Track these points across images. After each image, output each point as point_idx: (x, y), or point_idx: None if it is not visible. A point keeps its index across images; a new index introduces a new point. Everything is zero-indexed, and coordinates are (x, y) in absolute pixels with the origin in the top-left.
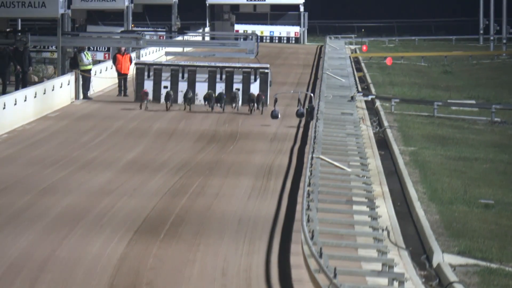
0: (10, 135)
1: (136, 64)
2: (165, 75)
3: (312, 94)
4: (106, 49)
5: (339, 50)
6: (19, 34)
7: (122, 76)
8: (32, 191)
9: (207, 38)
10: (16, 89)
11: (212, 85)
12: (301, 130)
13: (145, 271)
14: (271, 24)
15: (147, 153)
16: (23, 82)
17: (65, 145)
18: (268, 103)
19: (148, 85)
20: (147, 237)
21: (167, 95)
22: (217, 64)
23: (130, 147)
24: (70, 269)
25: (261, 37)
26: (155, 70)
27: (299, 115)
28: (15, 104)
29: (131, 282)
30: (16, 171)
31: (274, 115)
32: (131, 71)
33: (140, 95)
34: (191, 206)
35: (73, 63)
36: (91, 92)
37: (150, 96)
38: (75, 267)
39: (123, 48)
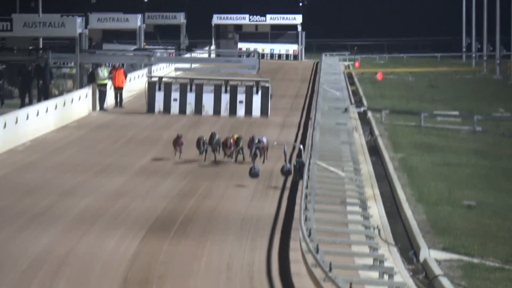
0: (33, 143)
1: (148, 77)
2: (175, 87)
3: (301, 146)
4: (120, 65)
5: (334, 66)
6: (41, 51)
7: (117, 90)
8: (54, 193)
9: (213, 55)
10: (39, 101)
11: (217, 98)
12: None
13: (156, 266)
14: (272, 42)
15: (158, 159)
16: (45, 95)
17: (83, 152)
18: (269, 112)
19: (159, 97)
20: (159, 235)
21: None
22: (222, 78)
23: (143, 154)
24: (88, 264)
25: (262, 54)
26: (166, 84)
27: (285, 172)
28: (38, 115)
29: (144, 275)
30: (39, 175)
31: (253, 173)
32: (144, 85)
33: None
34: (198, 207)
35: (90, 78)
36: (106, 104)
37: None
38: (93, 262)
39: (117, 64)
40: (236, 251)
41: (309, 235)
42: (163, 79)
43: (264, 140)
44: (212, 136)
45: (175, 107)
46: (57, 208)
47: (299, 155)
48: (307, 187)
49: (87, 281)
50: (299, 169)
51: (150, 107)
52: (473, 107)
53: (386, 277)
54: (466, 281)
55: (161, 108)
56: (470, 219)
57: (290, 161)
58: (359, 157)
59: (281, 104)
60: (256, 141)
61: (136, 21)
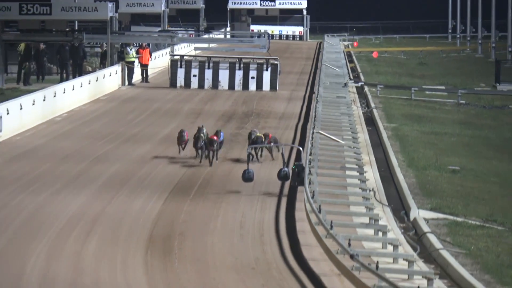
0: (69, 114)
1: (170, 56)
2: (194, 64)
3: (300, 148)
4: (146, 45)
5: (335, 46)
6: (76, 33)
7: (143, 67)
8: (87, 159)
9: (228, 36)
10: (74, 77)
11: (232, 74)
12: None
13: (178, 224)
14: (280, 24)
15: (179, 129)
16: (79, 71)
17: (113, 123)
18: (278, 87)
19: (180, 74)
20: (180, 197)
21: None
22: (236, 56)
23: (166, 124)
24: (118, 223)
25: (272, 35)
26: (186, 61)
27: (282, 177)
28: (73, 89)
29: (167, 233)
30: (74, 143)
31: (246, 177)
32: (167, 62)
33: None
34: (215, 172)
35: (120, 56)
36: (134, 80)
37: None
38: (121, 221)
39: (143, 44)
40: (248, 211)
41: (313, 196)
42: (184, 57)
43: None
44: (200, 130)
45: (194, 82)
46: (90, 173)
47: (299, 157)
48: (310, 154)
49: (117, 237)
50: (298, 174)
51: (173, 83)
52: (457, 82)
53: (380, 234)
54: (451, 237)
55: (182, 83)
56: (454, 182)
57: (287, 165)
58: (357, 127)
59: (288, 80)
60: (253, 137)
61: (160, 6)
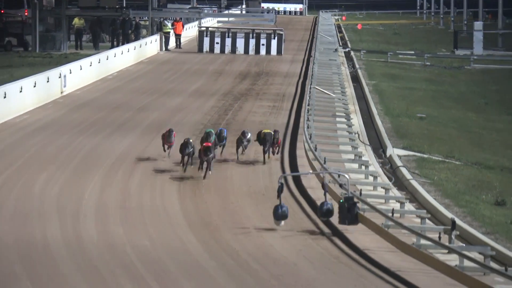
0: (118, 73)
1: (198, 27)
2: (217, 34)
3: (347, 177)
4: (180, 19)
5: (328, 19)
6: (124, 9)
7: (177, 36)
8: (132, 109)
9: (243, 12)
10: (123, 44)
11: (247, 42)
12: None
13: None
14: (284, 2)
15: (205, 85)
16: (127, 40)
17: (153, 80)
18: (283, 52)
19: (206, 41)
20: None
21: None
22: (250, 28)
23: (194, 81)
24: (156, 160)
25: (278, 11)
26: (211, 32)
27: (324, 213)
28: (122, 54)
29: (194, 166)
30: (122, 96)
31: (280, 214)
32: (195, 32)
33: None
34: (233, 119)
35: (158, 28)
36: (169, 46)
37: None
38: (159, 159)
39: (177, 18)
40: (259, 148)
41: (310, 138)
42: (209, 29)
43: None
44: (188, 143)
45: (217, 48)
46: (135, 119)
47: (342, 187)
48: (308, 104)
49: (156, 171)
50: (349, 210)
51: (200, 48)
52: (424, 48)
53: (363, 167)
54: (419, 170)
55: (207, 49)
56: (421, 127)
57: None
58: (345, 83)
59: (291, 46)
60: (248, 135)
61: None
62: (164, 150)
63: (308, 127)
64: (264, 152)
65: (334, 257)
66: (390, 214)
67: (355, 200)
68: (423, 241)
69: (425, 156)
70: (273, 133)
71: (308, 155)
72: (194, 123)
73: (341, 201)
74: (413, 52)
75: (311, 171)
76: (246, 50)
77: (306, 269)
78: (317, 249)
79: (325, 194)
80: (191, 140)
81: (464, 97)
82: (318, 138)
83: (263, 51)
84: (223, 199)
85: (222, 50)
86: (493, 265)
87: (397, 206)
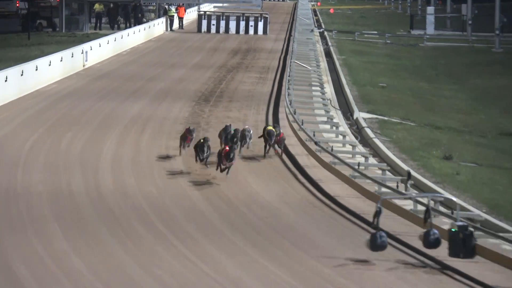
0: (131, 50)
1: (198, 11)
2: (213, 17)
3: (455, 199)
4: (182, 4)
5: (305, 5)
6: None
7: (180, 19)
8: (143, 79)
9: None
10: (134, 26)
11: (238, 23)
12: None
13: (202, 122)
14: None
15: (203, 60)
16: (138, 22)
17: (160, 55)
18: (268, 32)
19: (204, 23)
20: (203, 103)
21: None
22: (241, 12)
23: (195, 56)
24: (162, 121)
25: None
26: (208, 15)
27: (431, 244)
28: (134, 33)
29: (196, 124)
30: (135, 69)
31: (379, 245)
32: (195, 15)
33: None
34: (227, 87)
35: (164, 12)
36: (174, 27)
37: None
38: (165, 120)
39: (181, 3)
40: (248, 112)
41: (290, 103)
42: (206, 12)
43: (249, 131)
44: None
45: (213, 29)
46: (145, 88)
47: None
48: (289, 76)
49: (162, 130)
50: (464, 242)
51: (199, 29)
52: (385, 29)
53: (334, 128)
54: (381, 130)
55: (205, 29)
56: (382, 94)
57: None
58: (319, 58)
59: (275, 27)
60: (231, 130)
61: None
62: (182, 148)
63: (288, 95)
64: (269, 147)
65: (310, 203)
66: (356, 167)
67: (470, 229)
68: (383, 189)
69: (386, 118)
70: (274, 128)
71: (288, 117)
72: (194, 91)
73: (452, 229)
74: (376, 32)
75: (413, 194)
76: (237, 31)
77: (287, 213)
78: (296, 196)
79: (425, 220)
80: (208, 142)
81: (418, 70)
82: (296, 104)
83: (251, 31)
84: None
85: (217, 30)
86: (442, 209)
87: (362, 160)
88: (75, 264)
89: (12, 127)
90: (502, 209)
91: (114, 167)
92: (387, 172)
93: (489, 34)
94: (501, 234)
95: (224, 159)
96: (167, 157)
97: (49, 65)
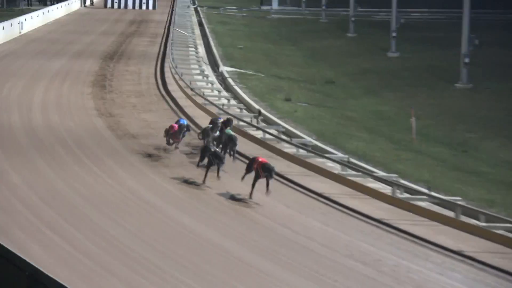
0: (55, 21)
1: None
2: None
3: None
4: None
5: None
6: None
7: None
8: (64, 43)
9: None
10: (57, 2)
11: (134, 1)
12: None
13: (108, 73)
14: None
15: (109, 28)
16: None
17: (76, 25)
18: (156, 7)
19: (109, 1)
20: (109, 60)
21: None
22: None
23: (102, 25)
24: (78, 74)
25: None
26: None
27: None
28: (57, 8)
29: (102, 77)
30: (58, 35)
31: None
32: None
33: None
34: (126, 48)
35: None
36: (87, 4)
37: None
38: (80, 73)
39: None
40: (143, 66)
41: (173, 60)
42: None
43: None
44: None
45: (116, 5)
46: (65, 49)
47: None
48: (172, 40)
49: (79, 79)
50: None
51: (105, 5)
52: (242, 5)
53: (205, 78)
54: (239, 80)
55: (110, 5)
56: (241, 53)
57: None
58: (194, 27)
59: (162, 3)
60: (185, 128)
61: None
62: (169, 144)
63: (172, 54)
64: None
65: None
66: (221, 106)
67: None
68: (241, 123)
69: (243, 71)
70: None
71: (171, 71)
72: (101, 51)
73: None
74: (235, 7)
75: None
76: (134, 6)
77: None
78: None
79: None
80: (218, 150)
81: (267, 35)
82: (177, 60)
83: (144, 7)
84: (121, 97)
85: (119, 6)
86: (283, 137)
87: (225, 101)
88: (13, 178)
89: None
90: (326, 137)
91: (43, 107)
92: (244, 110)
93: (318, 9)
94: (326, 155)
95: (261, 171)
96: (82, 101)
97: None
